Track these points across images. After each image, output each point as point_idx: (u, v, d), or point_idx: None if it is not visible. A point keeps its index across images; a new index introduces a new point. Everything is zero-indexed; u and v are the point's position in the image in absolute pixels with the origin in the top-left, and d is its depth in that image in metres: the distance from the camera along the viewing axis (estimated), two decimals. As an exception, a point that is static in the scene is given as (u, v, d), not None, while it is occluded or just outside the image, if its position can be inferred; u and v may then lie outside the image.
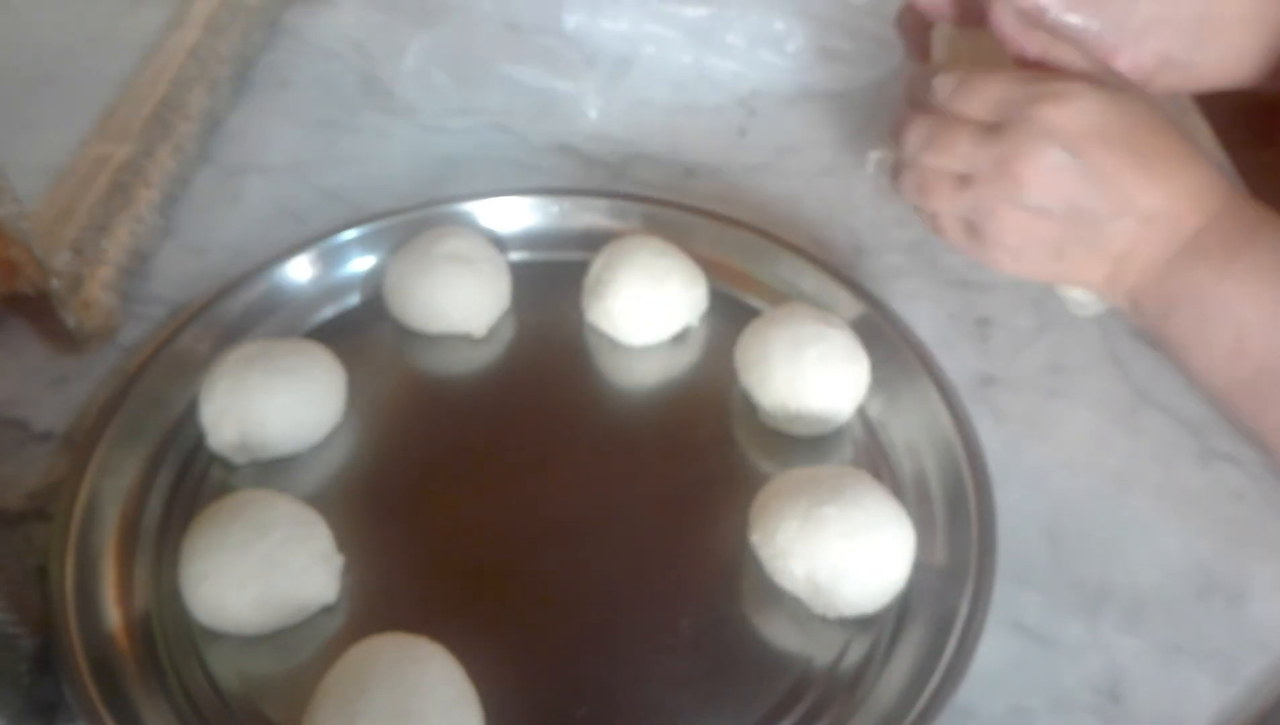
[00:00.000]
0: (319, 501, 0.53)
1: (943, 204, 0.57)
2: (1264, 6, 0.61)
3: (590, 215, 0.67)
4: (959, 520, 0.53)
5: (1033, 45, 0.58)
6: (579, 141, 0.75)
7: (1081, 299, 0.61)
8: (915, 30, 0.65)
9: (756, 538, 0.51)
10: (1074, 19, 0.59)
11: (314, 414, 0.57)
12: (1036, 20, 0.59)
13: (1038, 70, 0.59)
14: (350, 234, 0.64)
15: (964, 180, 0.56)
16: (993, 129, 0.55)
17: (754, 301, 0.63)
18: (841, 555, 0.49)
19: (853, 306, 0.61)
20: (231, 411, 0.54)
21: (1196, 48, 0.61)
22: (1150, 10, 0.60)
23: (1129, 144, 0.54)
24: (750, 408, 0.58)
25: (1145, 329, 0.59)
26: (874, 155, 0.63)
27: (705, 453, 0.58)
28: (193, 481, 0.55)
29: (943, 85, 0.57)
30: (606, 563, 0.53)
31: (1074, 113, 0.53)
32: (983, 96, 0.56)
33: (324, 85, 0.80)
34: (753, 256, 0.64)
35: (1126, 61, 0.61)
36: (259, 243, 0.65)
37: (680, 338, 0.62)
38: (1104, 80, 0.58)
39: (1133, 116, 0.55)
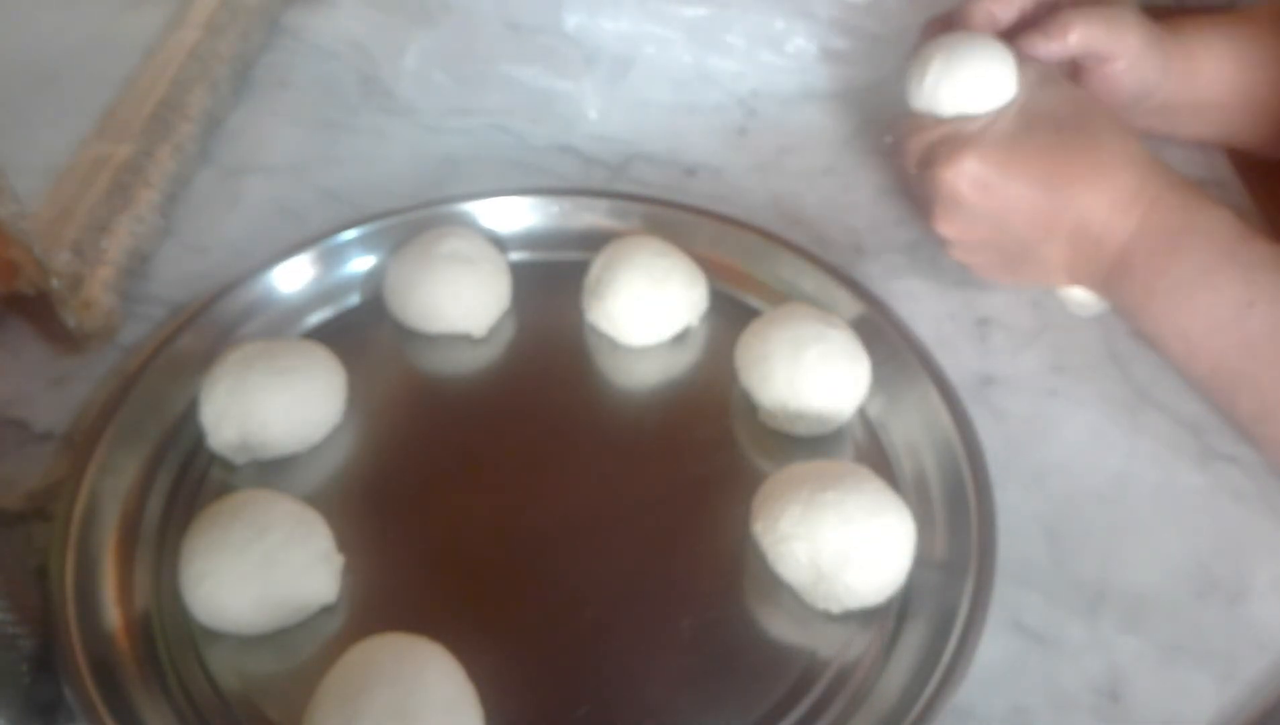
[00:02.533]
0: (319, 501, 0.53)
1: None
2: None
3: (590, 215, 0.67)
4: (959, 520, 0.53)
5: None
6: (579, 141, 0.75)
7: (1082, 299, 0.62)
8: None
9: (760, 526, 0.51)
10: (1126, 83, 0.64)
11: (314, 414, 0.57)
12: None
13: None
14: (350, 234, 0.64)
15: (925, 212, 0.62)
16: (921, 176, 0.60)
17: (754, 301, 0.63)
18: (845, 539, 0.49)
19: (853, 306, 0.61)
20: (232, 411, 0.54)
21: (1178, 127, 0.69)
22: (1178, 90, 0.65)
23: (1032, 173, 0.57)
24: (751, 408, 0.58)
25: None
26: (887, 138, 0.67)
27: (705, 453, 0.58)
28: (193, 481, 0.55)
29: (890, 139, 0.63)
30: (606, 563, 0.53)
31: (965, 171, 0.57)
32: (910, 148, 0.60)
33: (324, 85, 0.80)
34: (753, 256, 0.64)
35: (1126, 70, 0.64)
36: (259, 243, 0.65)
37: (680, 338, 0.62)
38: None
39: (1035, 141, 0.57)
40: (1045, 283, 0.62)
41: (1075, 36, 0.61)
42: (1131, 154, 0.57)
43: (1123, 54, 0.62)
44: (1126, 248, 0.56)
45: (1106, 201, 0.56)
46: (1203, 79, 0.65)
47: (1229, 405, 0.56)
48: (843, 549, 0.49)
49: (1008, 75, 0.59)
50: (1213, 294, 0.54)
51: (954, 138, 0.58)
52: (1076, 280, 0.60)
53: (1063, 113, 0.58)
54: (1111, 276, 0.57)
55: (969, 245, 0.60)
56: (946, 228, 0.59)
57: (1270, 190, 0.71)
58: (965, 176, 0.57)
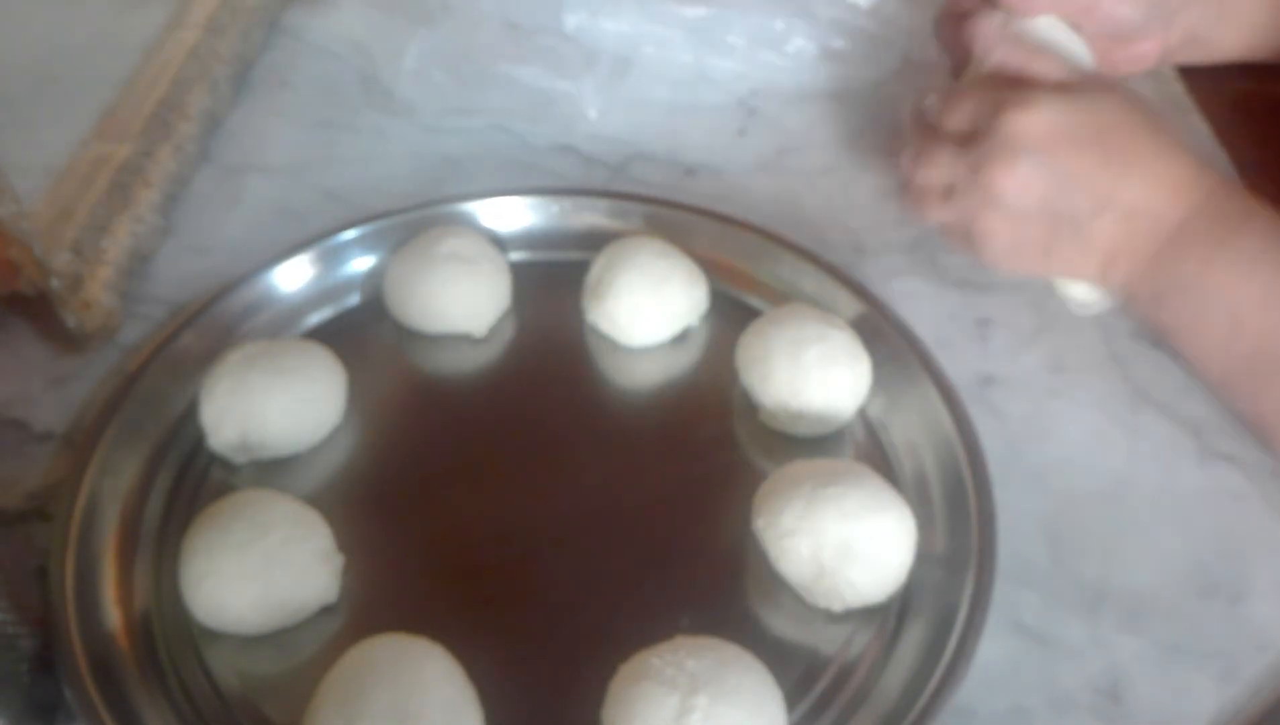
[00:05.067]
0: (319, 501, 0.53)
1: (936, 214, 0.59)
2: None
3: (590, 215, 0.67)
4: (959, 519, 0.53)
5: (1013, 58, 0.59)
6: (579, 141, 0.75)
7: (1082, 299, 0.61)
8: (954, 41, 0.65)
9: (761, 522, 0.51)
10: (1123, 10, 0.61)
11: (314, 414, 0.57)
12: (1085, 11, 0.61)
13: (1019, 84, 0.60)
14: (350, 234, 0.64)
15: (949, 191, 0.58)
16: (969, 139, 0.56)
17: (754, 301, 0.63)
18: (847, 534, 0.49)
19: (853, 306, 0.61)
20: (232, 411, 0.54)
21: (1219, 24, 0.64)
22: None
23: (1099, 143, 0.55)
24: (751, 408, 0.58)
25: (1142, 318, 0.60)
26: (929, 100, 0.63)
27: (706, 453, 0.58)
28: (193, 481, 0.55)
29: (931, 105, 0.59)
30: (606, 562, 0.53)
31: (1039, 118, 0.55)
32: (960, 109, 0.57)
33: (324, 85, 0.80)
34: (753, 256, 0.64)
35: (1154, 45, 0.63)
36: (259, 243, 0.65)
37: (681, 338, 0.62)
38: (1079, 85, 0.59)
39: (1101, 117, 0.56)
40: (1072, 273, 0.59)
41: None
42: (1190, 155, 0.56)
43: None
44: (1186, 222, 0.54)
45: (1168, 182, 0.55)
46: None
47: (1258, 393, 0.55)
48: (845, 543, 0.49)
49: (1084, 60, 0.60)
50: (1273, 271, 0.53)
51: (1028, 87, 0.56)
52: (1110, 267, 0.57)
53: (1131, 108, 0.57)
54: (1162, 254, 0.55)
55: (1020, 202, 0.56)
56: (1005, 178, 0.55)
57: (1271, 190, 0.71)
58: (1039, 117, 0.54)
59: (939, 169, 0.59)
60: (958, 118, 0.58)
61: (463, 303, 0.61)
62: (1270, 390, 0.54)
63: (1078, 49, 0.60)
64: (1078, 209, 0.55)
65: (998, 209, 0.56)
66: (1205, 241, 0.54)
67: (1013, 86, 0.57)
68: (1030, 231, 0.57)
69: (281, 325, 0.62)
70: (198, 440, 0.56)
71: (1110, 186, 0.55)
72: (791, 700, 0.48)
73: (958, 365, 0.59)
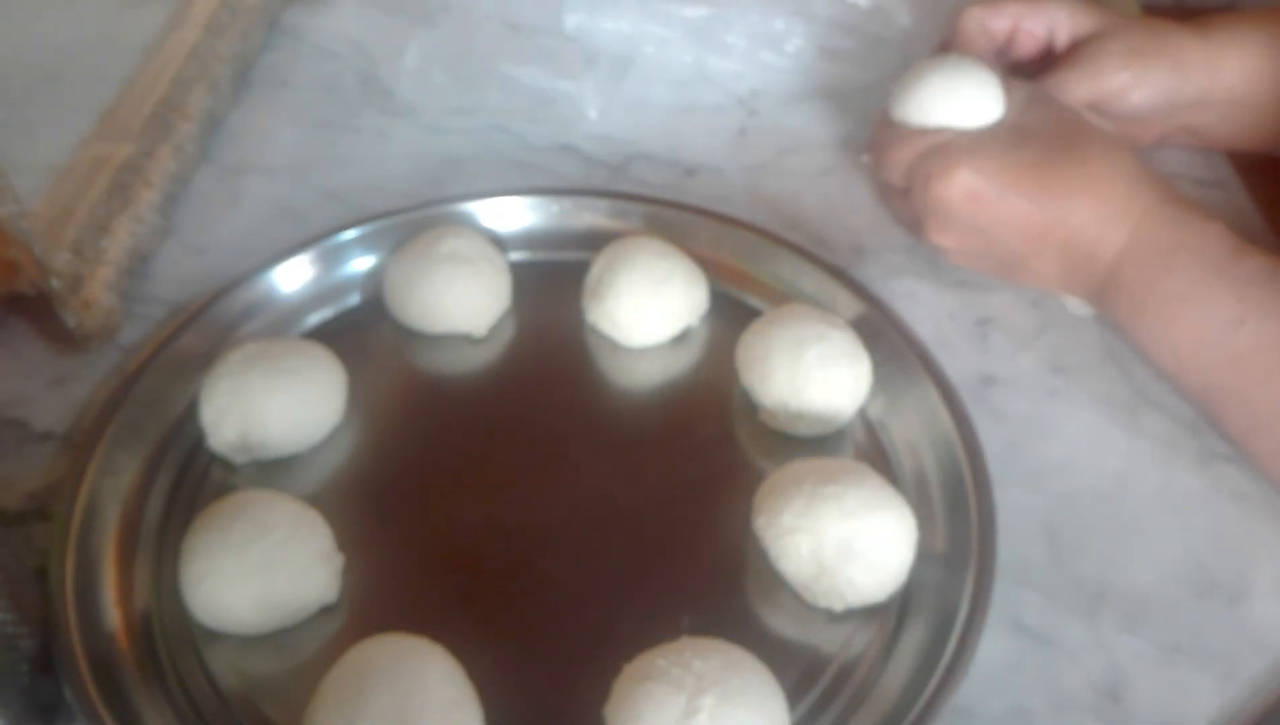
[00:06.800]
0: (319, 501, 0.53)
1: (899, 211, 0.65)
2: None
3: (590, 215, 0.67)
4: (959, 519, 0.53)
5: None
6: (579, 141, 0.75)
7: (1079, 303, 0.62)
8: None
9: (762, 521, 0.51)
10: (1137, 99, 0.65)
11: (314, 414, 0.57)
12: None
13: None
14: (350, 234, 0.64)
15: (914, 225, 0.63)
16: (908, 191, 0.61)
17: (754, 301, 0.63)
18: (847, 532, 0.49)
19: (853, 306, 0.61)
20: (232, 411, 0.54)
21: (1220, 123, 0.67)
22: (1197, 90, 0.65)
23: (1025, 188, 0.57)
24: (751, 408, 0.58)
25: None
26: (864, 157, 0.68)
27: (706, 453, 0.58)
28: (193, 481, 0.55)
29: (866, 163, 0.65)
30: (606, 562, 0.53)
31: (960, 180, 0.58)
32: (894, 165, 0.62)
33: (324, 85, 0.80)
34: (753, 256, 0.64)
35: (1155, 135, 0.67)
36: (259, 243, 0.65)
37: (681, 338, 0.62)
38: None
39: (1023, 159, 0.58)
40: (1043, 287, 0.62)
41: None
42: (1121, 169, 0.57)
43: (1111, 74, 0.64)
44: (1118, 261, 0.56)
45: (1095, 216, 0.56)
46: (1230, 77, 0.65)
47: (1219, 420, 0.56)
48: (845, 542, 0.49)
49: (993, 96, 0.61)
50: (1202, 311, 0.54)
51: (946, 149, 0.59)
52: (1069, 291, 0.61)
53: (1052, 130, 0.59)
54: (1104, 290, 0.57)
55: (965, 252, 0.61)
56: (941, 238, 0.61)
57: (1271, 191, 0.71)
58: (958, 188, 0.58)
59: (895, 213, 0.65)
60: (892, 174, 0.62)
61: (462, 303, 0.61)
62: (1229, 417, 0.55)
63: (985, 96, 0.61)
64: (1016, 251, 0.59)
65: (949, 253, 0.62)
66: (1136, 284, 0.56)
67: (933, 143, 0.60)
68: (988, 265, 0.62)
69: (281, 325, 0.62)
70: (198, 440, 0.56)
71: (1040, 228, 0.57)
72: (792, 700, 0.48)
73: (958, 365, 0.59)
